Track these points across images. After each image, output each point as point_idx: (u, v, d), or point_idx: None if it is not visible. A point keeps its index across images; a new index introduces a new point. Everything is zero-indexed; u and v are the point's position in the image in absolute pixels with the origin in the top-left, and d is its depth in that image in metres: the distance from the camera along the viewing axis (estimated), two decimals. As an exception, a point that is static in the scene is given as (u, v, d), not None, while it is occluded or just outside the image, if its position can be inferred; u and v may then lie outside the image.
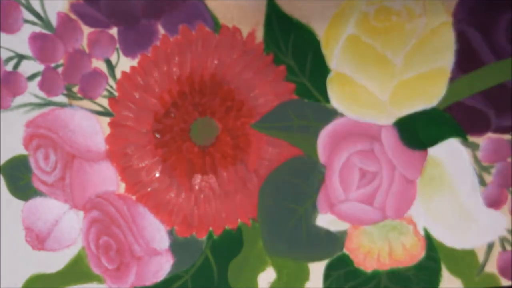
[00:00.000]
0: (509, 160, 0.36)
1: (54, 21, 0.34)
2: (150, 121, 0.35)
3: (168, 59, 0.35)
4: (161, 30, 0.35)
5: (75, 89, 0.35)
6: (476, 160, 0.36)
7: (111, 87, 0.35)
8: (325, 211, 0.36)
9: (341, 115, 0.36)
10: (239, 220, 0.36)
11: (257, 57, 0.35)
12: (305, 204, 0.36)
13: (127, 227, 0.36)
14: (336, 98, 0.35)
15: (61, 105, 0.35)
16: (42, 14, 0.34)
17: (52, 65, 0.35)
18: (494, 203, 0.36)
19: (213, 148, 0.36)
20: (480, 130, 0.36)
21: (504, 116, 0.35)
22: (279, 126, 0.36)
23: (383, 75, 0.35)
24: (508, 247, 0.37)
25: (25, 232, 0.36)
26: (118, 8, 0.34)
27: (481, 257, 0.37)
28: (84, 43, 0.35)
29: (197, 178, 0.36)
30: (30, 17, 0.34)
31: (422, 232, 0.37)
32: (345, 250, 0.37)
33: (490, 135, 0.36)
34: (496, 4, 0.34)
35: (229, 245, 0.37)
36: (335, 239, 0.37)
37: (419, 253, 0.37)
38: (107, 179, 0.36)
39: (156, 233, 0.36)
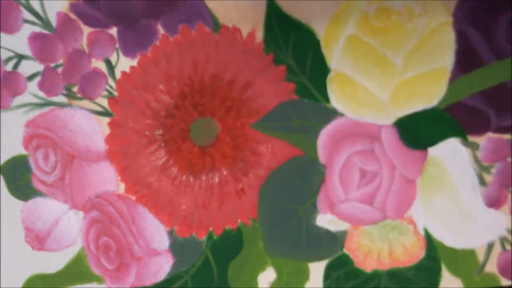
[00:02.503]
0: (509, 160, 0.36)
1: (54, 21, 0.34)
2: (150, 121, 0.35)
3: (168, 59, 0.35)
4: (161, 30, 0.35)
5: (75, 89, 0.35)
6: (476, 160, 0.36)
7: (111, 87, 0.35)
8: (325, 211, 0.36)
9: (341, 115, 0.36)
10: (239, 220, 0.36)
11: (257, 57, 0.35)
12: (305, 204, 0.36)
13: (127, 227, 0.36)
14: (336, 98, 0.35)
15: (61, 105, 0.35)
16: (42, 14, 0.34)
17: (52, 65, 0.35)
18: (494, 203, 0.36)
19: (213, 148, 0.36)
20: (480, 130, 0.36)
21: (504, 116, 0.35)
22: (279, 126, 0.36)
23: (383, 75, 0.35)
24: (508, 247, 0.37)
25: (25, 232, 0.36)
26: (118, 8, 0.34)
27: (481, 257, 0.37)
28: (84, 43, 0.35)
29: (197, 178, 0.36)
30: (30, 17, 0.34)
31: (422, 232, 0.37)
32: (345, 250, 0.37)
33: (490, 135, 0.36)
34: (496, 4, 0.34)
35: (229, 245, 0.37)
36: (335, 239, 0.37)
37: (419, 253, 0.37)
38: (106, 179, 0.36)
39: (156, 233, 0.36)
